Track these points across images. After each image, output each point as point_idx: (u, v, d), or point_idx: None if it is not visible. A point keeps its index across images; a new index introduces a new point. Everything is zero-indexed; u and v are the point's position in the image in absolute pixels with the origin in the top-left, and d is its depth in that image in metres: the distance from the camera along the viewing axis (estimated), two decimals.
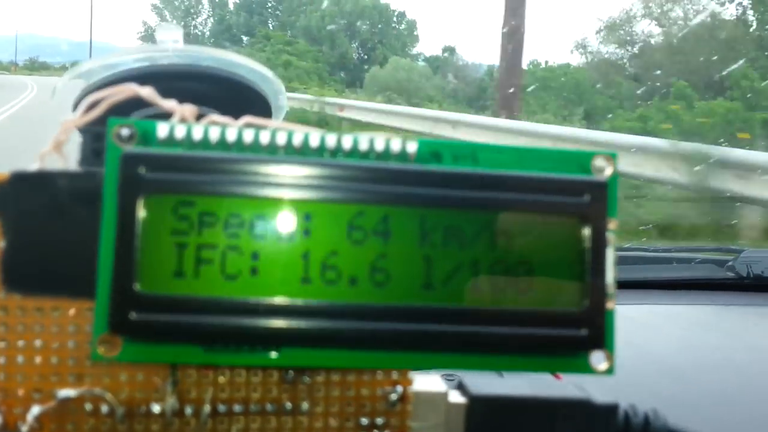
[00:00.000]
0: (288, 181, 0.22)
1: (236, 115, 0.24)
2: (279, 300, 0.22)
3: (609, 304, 0.23)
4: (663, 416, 0.28)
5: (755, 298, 0.84)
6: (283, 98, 0.43)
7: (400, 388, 0.25)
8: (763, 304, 0.81)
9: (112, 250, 0.22)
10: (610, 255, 0.23)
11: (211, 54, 0.41)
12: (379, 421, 0.25)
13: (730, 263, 0.90)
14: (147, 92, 0.24)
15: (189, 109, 0.24)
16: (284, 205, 0.22)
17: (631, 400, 0.29)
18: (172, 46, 0.39)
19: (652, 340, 0.65)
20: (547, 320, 0.23)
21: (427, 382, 0.27)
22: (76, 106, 0.38)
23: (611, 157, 0.24)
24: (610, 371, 0.24)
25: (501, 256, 0.23)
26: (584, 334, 0.23)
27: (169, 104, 0.24)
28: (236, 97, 0.35)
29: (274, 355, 0.23)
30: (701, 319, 0.74)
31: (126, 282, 0.22)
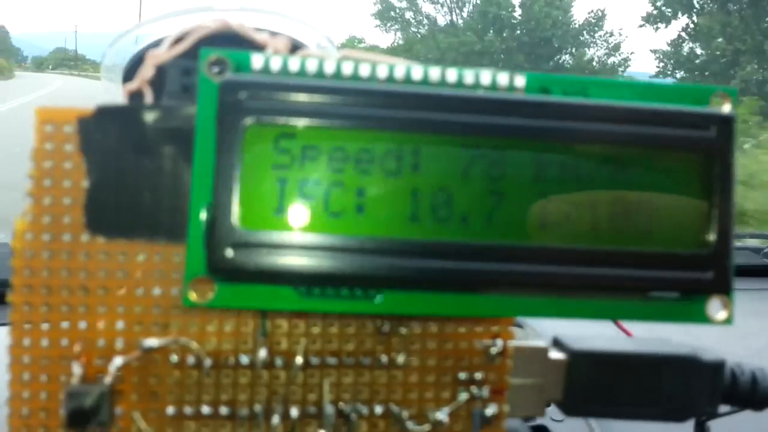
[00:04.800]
0: (395, 113, 0.21)
1: None
2: (386, 239, 0.21)
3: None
4: None
5: None
6: None
7: (500, 342, 0.24)
8: None
9: (210, 185, 0.20)
10: (734, 196, 0.22)
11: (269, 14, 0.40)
12: (478, 375, 0.24)
13: (766, 250, 0.88)
14: (238, 24, 0.22)
15: (282, 42, 0.22)
16: (391, 138, 0.21)
17: None
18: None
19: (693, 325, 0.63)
20: (669, 262, 0.21)
21: (525, 337, 0.26)
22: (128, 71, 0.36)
23: (730, 94, 0.22)
24: (729, 320, 0.22)
25: (621, 194, 0.21)
26: (709, 277, 0.21)
27: (262, 36, 0.22)
28: None
29: (378, 300, 0.21)
30: (742, 304, 0.72)
31: (224, 218, 0.20)
